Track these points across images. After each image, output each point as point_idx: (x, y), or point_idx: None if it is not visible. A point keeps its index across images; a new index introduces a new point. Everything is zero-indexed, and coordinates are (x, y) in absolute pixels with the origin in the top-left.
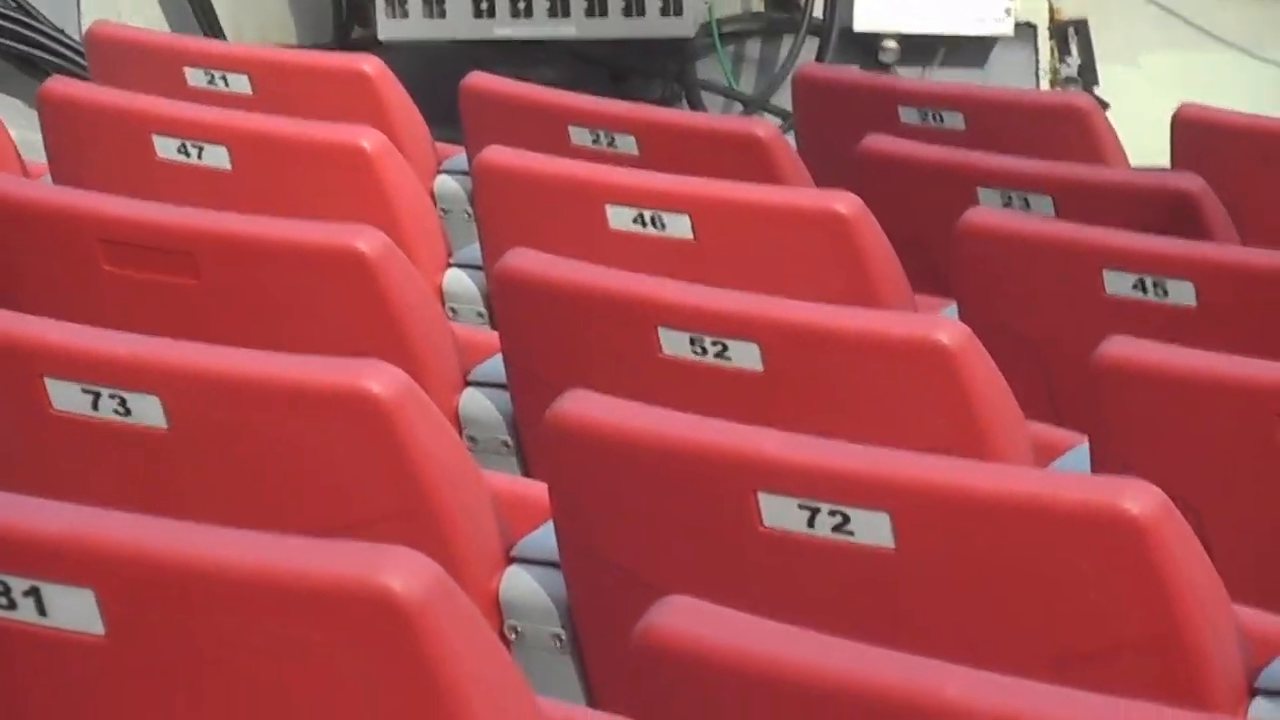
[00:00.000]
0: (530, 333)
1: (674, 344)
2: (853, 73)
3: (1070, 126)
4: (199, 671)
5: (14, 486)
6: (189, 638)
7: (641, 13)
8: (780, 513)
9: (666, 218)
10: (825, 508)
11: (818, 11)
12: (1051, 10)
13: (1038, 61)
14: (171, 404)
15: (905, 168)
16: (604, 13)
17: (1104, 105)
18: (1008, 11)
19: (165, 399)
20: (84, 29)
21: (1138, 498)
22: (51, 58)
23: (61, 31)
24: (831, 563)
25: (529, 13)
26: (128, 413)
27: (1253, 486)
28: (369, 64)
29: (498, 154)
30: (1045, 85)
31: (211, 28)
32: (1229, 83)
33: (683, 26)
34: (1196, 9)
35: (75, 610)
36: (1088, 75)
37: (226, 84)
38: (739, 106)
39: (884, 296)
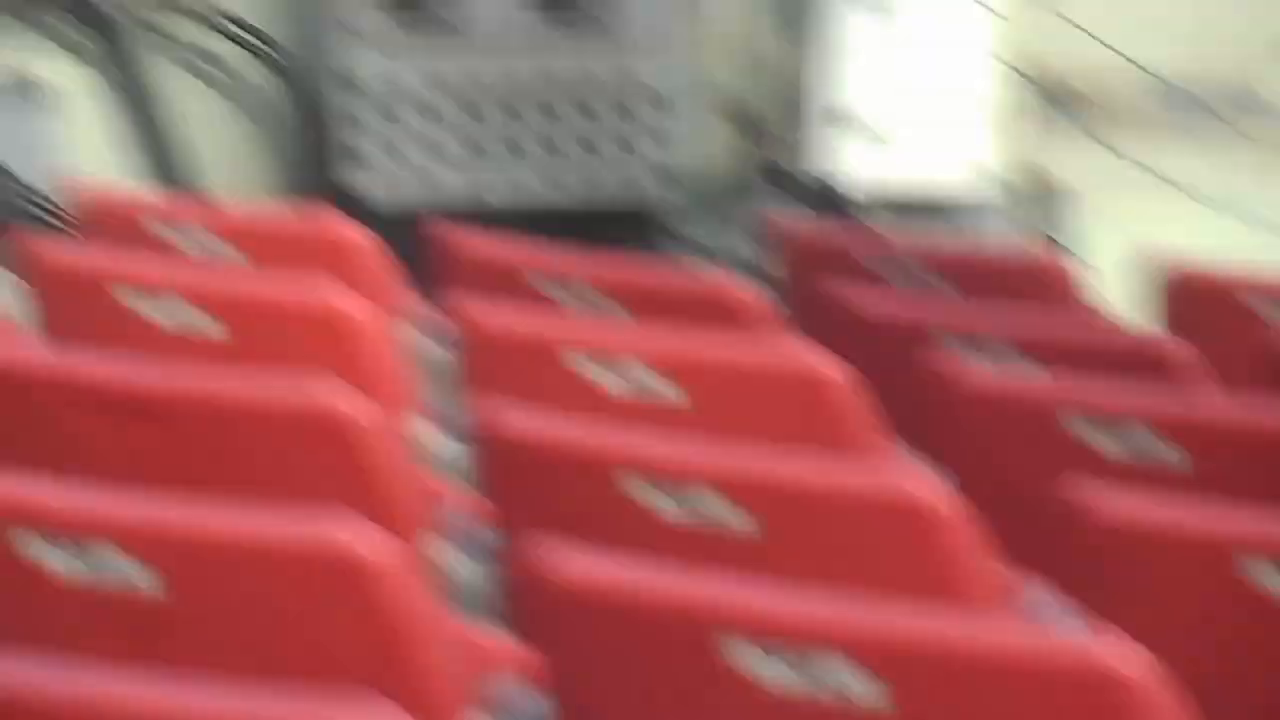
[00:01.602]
0: (515, 491)
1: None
2: (830, 227)
3: (1051, 285)
4: None
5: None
6: None
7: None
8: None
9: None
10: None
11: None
12: (1032, 173)
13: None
14: (164, 571)
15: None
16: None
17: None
18: (988, 175)
19: (158, 568)
20: None
21: (1128, 659)
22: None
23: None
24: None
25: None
26: (121, 580)
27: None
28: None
29: (481, 313)
30: (1022, 242)
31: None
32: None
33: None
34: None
35: None
36: (1065, 235)
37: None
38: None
39: (862, 453)
